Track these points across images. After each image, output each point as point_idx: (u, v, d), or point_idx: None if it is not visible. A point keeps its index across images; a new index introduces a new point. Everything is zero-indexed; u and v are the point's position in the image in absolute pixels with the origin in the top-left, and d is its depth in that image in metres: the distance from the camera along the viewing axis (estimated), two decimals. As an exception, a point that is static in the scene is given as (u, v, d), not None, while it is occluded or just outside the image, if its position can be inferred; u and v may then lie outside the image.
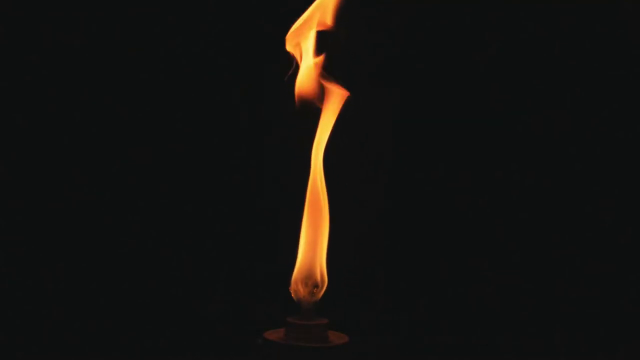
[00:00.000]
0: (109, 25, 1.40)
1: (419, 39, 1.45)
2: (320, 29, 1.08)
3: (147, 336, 1.41)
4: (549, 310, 1.46)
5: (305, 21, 1.08)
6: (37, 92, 1.40)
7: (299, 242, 1.05)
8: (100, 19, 1.40)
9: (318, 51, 1.08)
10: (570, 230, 1.47)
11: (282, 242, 1.14)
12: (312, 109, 1.06)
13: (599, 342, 1.46)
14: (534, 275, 1.47)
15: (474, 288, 1.46)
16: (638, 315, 1.46)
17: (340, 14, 1.08)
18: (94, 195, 1.42)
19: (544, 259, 1.47)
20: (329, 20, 1.08)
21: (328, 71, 1.07)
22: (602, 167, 1.46)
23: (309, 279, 1.03)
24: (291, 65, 1.10)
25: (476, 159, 1.46)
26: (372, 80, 1.42)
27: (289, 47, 1.09)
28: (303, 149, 1.08)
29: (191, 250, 1.43)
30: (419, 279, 1.46)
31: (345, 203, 1.11)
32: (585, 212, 1.46)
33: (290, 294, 1.03)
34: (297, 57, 1.08)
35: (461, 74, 1.45)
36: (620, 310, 1.46)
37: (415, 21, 1.44)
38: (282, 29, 1.42)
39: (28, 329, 1.39)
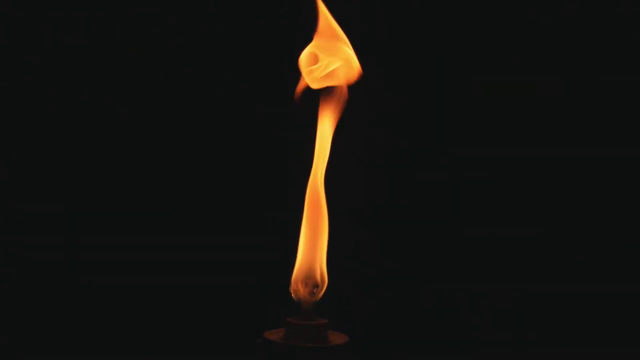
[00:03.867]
0: (109, 25, 1.41)
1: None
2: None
3: (147, 336, 1.41)
4: (549, 310, 1.47)
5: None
6: (37, 92, 1.40)
7: (299, 242, 1.05)
8: (100, 18, 1.40)
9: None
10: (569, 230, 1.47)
11: (282, 242, 1.14)
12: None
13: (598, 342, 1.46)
14: (533, 273, 1.47)
15: (474, 287, 1.46)
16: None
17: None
18: (93, 194, 1.42)
19: (543, 257, 1.47)
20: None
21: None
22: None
23: (309, 279, 1.03)
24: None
25: (473, 157, 1.47)
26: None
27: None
28: (303, 149, 1.09)
29: (191, 250, 1.44)
30: (419, 278, 1.47)
31: (345, 202, 1.11)
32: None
33: (290, 294, 1.03)
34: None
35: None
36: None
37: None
38: (281, 30, 1.42)
39: (28, 329, 1.40)
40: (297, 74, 1.06)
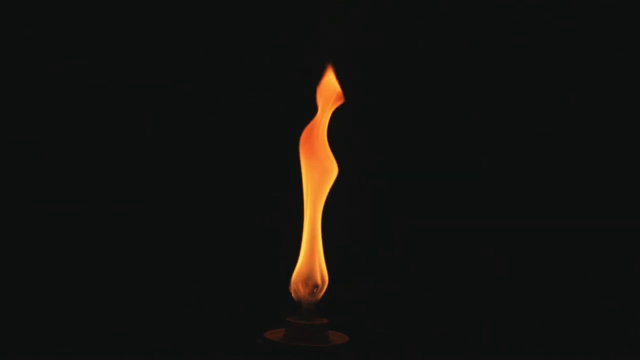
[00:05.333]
0: (109, 26, 1.41)
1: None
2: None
3: (147, 336, 1.41)
4: (549, 309, 1.47)
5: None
6: (37, 93, 1.40)
7: (300, 242, 1.05)
8: (99, 20, 1.40)
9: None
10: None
11: (283, 242, 1.14)
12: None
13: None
14: (534, 273, 1.47)
15: (475, 287, 1.46)
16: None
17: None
18: (93, 194, 1.42)
19: (543, 256, 1.47)
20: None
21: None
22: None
23: (309, 279, 1.03)
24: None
25: (470, 155, 1.47)
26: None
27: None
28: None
29: (192, 251, 1.44)
30: (418, 278, 1.47)
31: (344, 202, 1.11)
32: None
33: (290, 294, 1.03)
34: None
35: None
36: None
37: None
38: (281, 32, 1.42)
39: (28, 329, 1.40)
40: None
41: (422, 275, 1.47)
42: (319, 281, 1.03)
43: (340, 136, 1.09)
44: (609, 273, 1.47)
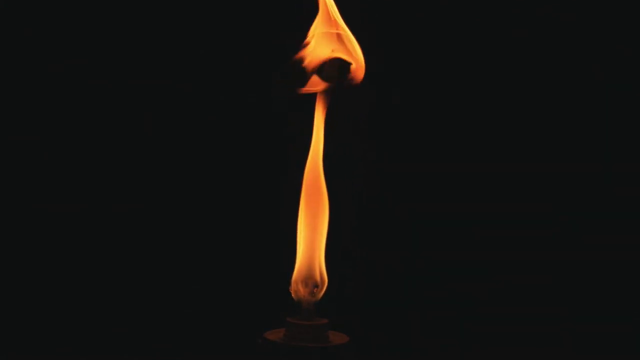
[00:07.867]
0: (109, 26, 1.41)
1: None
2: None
3: (147, 336, 1.41)
4: (549, 308, 1.47)
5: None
6: (37, 93, 1.40)
7: (298, 242, 1.05)
8: (99, 20, 1.40)
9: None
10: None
11: (282, 242, 1.14)
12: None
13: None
14: (535, 272, 1.47)
15: (475, 286, 1.46)
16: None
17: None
18: (93, 193, 1.42)
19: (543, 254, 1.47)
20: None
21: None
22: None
23: (309, 279, 1.03)
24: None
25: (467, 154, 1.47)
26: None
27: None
28: (302, 148, 1.09)
29: (191, 251, 1.44)
30: (418, 278, 1.47)
31: (344, 202, 1.11)
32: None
33: (290, 294, 1.03)
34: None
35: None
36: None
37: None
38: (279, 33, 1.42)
39: (28, 329, 1.40)
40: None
41: (422, 275, 1.47)
42: (319, 281, 1.03)
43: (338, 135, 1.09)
44: (610, 268, 1.47)
